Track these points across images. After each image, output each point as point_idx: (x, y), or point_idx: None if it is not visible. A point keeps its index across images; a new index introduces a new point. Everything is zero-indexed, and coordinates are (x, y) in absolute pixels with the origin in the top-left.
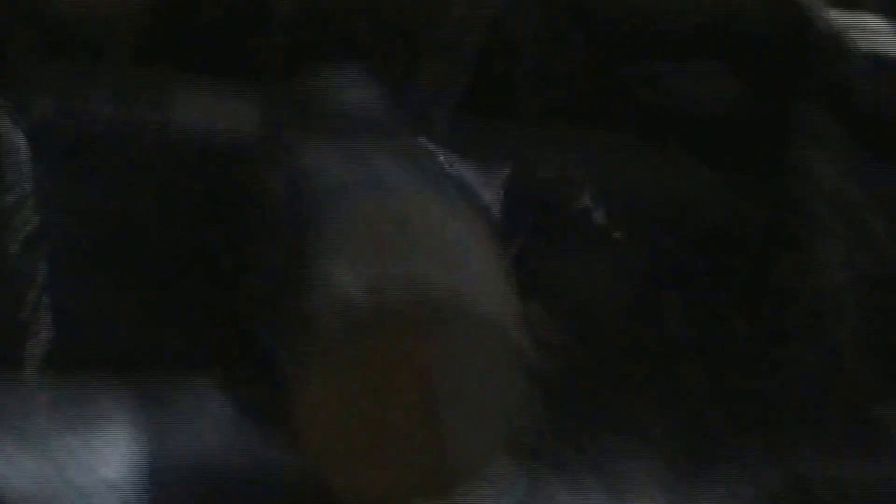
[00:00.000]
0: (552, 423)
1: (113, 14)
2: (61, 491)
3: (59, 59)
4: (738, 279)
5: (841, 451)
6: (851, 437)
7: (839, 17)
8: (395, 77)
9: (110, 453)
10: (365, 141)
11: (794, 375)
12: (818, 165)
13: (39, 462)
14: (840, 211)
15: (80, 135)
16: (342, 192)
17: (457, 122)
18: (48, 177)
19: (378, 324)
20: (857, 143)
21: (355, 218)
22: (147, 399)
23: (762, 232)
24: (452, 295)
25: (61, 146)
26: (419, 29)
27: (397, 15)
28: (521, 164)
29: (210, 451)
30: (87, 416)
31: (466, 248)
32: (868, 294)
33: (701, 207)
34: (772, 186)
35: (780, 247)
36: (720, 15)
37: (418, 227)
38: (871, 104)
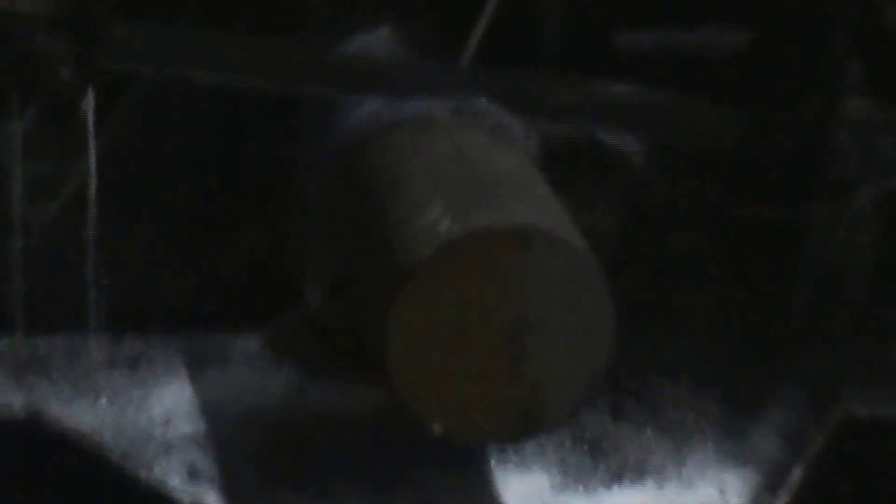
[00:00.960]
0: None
1: None
2: (124, 428)
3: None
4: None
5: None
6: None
7: None
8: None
9: (165, 399)
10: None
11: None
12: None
13: (105, 407)
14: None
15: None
16: (392, 130)
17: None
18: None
19: (467, 249)
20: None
21: (415, 152)
22: (198, 355)
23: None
24: (535, 220)
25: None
26: None
27: None
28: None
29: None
30: (144, 370)
31: (527, 180)
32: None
33: (720, 141)
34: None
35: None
36: None
37: (477, 160)
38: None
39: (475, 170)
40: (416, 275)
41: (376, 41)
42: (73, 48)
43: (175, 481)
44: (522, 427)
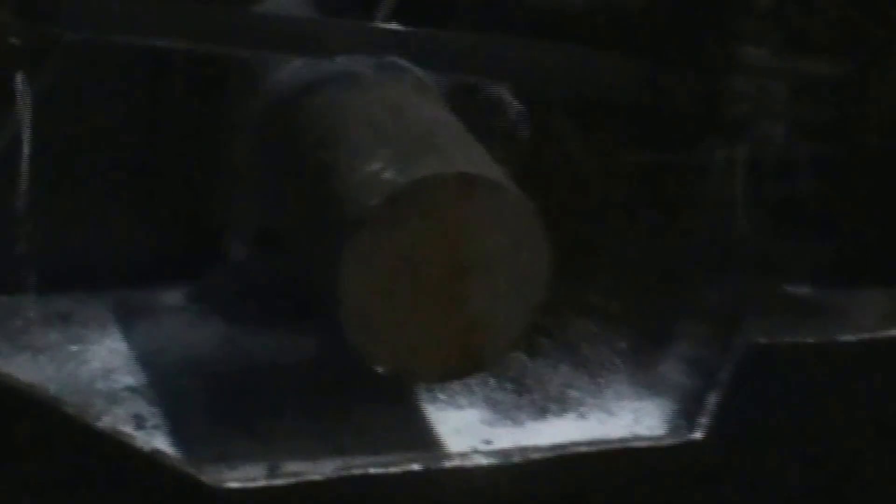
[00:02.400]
0: None
1: None
2: (67, 382)
3: None
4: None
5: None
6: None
7: None
8: None
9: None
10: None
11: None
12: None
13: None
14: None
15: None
16: (322, 86)
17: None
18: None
19: (413, 196)
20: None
21: (347, 106)
22: (129, 310)
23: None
24: (476, 168)
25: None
26: None
27: None
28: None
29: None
30: (78, 326)
31: (457, 131)
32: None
33: (621, 91)
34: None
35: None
36: None
37: (409, 112)
38: None
39: (409, 121)
40: (364, 223)
41: (288, 2)
42: (21, 16)
43: (127, 430)
44: (464, 366)
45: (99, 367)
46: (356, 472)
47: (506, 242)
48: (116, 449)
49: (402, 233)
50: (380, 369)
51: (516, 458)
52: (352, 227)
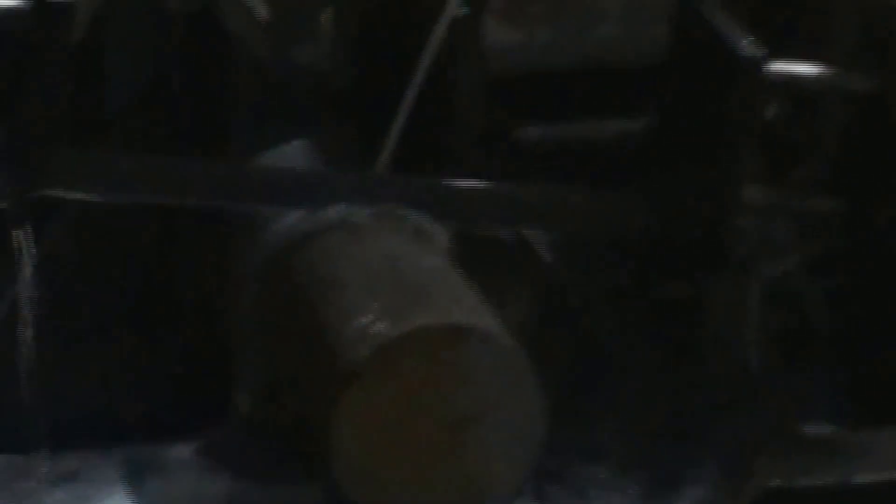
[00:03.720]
0: None
1: None
2: None
3: None
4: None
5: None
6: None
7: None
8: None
9: None
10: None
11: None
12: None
13: None
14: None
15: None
16: (319, 237)
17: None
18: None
19: (404, 348)
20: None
21: (343, 256)
22: (137, 468)
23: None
24: (469, 319)
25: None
26: None
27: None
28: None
29: None
30: (85, 485)
31: (453, 280)
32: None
33: (629, 231)
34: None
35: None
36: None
37: (405, 262)
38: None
39: (404, 272)
40: (355, 376)
41: (290, 154)
42: (10, 179)
43: None
44: None
45: None
46: None
47: (500, 392)
48: None
49: (394, 385)
50: None
51: None
52: (342, 381)
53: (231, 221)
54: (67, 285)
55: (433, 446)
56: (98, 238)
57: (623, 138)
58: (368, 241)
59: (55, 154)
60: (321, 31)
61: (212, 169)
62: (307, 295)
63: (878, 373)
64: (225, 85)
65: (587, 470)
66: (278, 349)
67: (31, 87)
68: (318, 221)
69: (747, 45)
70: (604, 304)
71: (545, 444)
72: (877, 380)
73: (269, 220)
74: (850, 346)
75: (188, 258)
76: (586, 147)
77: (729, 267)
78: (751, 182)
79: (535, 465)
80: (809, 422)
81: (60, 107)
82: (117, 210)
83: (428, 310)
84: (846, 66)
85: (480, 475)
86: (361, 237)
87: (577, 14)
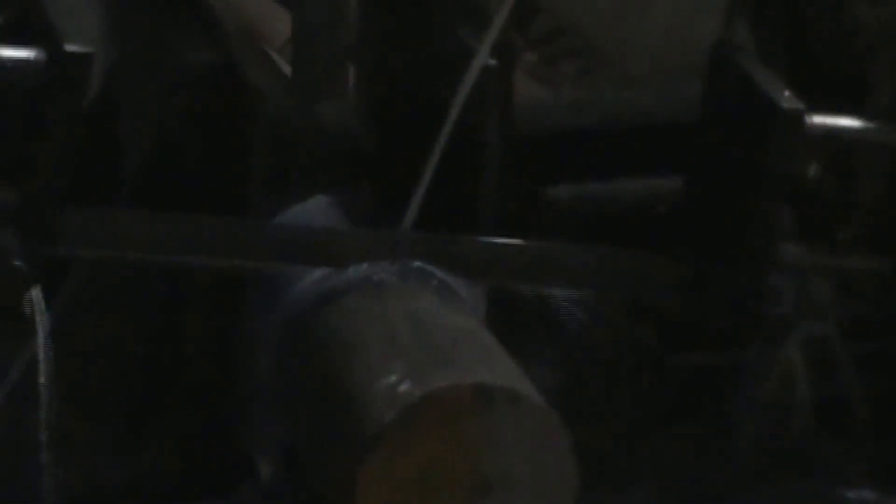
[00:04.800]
0: None
1: None
2: None
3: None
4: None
5: None
6: None
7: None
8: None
9: None
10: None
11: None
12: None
13: None
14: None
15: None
16: (341, 297)
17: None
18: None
19: (429, 410)
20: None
21: (366, 317)
22: None
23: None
24: (494, 378)
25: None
26: None
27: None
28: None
29: None
30: None
31: (480, 339)
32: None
33: (667, 296)
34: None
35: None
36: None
37: (429, 322)
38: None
39: (429, 331)
40: (379, 439)
41: (312, 211)
42: (23, 239)
43: None
44: None
45: None
46: None
47: (528, 456)
48: None
49: (418, 449)
50: None
51: None
52: (366, 445)
53: (249, 281)
54: (79, 346)
55: None
56: (110, 298)
57: (655, 197)
58: (392, 300)
59: (68, 212)
60: (346, 87)
61: (230, 227)
62: (328, 355)
63: None
64: (244, 140)
65: None
66: (299, 412)
67: (45, 142)
68: (340, 280)
69: (785, 98)
70: (634, 368)
71: None
72: None
73: (288, 279)
74: (889, 411)
75: (204, 316)
76: (617, 207)
77: (766, 330)
78: (788, 240)
79: None
80: (851, 488)
81: (74, 163)
82: (130, 269)
83: (453, 370)
84: (887, 119)
85: None
86: (384, 296)
87: (609, 71)
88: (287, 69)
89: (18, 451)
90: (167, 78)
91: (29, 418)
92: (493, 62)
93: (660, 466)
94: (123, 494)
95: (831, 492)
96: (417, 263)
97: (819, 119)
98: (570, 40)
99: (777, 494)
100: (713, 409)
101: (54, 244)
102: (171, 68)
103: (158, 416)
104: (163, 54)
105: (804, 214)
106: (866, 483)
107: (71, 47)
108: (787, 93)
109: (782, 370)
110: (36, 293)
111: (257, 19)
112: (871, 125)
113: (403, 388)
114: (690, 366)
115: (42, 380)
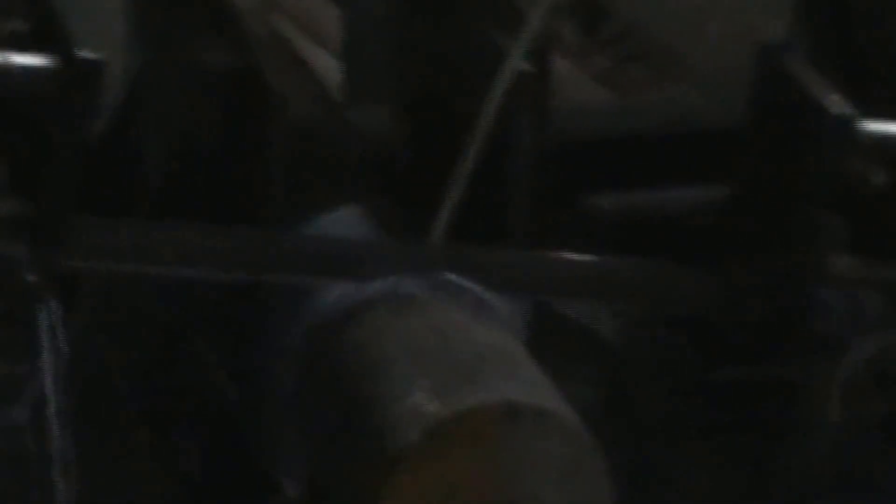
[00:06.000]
0: None
1: None
2: None
3: None
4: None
5: None
6: None
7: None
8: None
9: None
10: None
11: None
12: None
13: None
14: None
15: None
16: (367, 311)
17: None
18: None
19: (456, 428)
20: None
21: (393, 332)
22: None
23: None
24: (523, 395)
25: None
26: None
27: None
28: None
29: None
30: None
31: (511, 356)
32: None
33: (699, 306)
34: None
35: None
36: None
37: (458, 338)
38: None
39: (456, 347)
40: (405, 458)
41: (339, 222)
42: (35, 250)
43: None
44: None
45: None
46: None
47: (559, 476)
48: None
49: (445, 468)
50: None
51: None
52: (392, 464)
53: (272, 295)
54: (94, 365)
55: None
56: (126, 312)
57: (700, 208)
58: (418, 315)
59: (83, 224)
60: (376, 93)
61: (252, 239)
62: (353, 372)
63: None
64: (269, 148)
65: None
66: (324, 431)
67: (59, 152)
68: (367, 294)
69: (836, 103)
70: (674, 385)
71: None
72: None
73: (313, 293)
74: None
75: (224, 334)
76: (659, 217)
77: (816, 345)
78: (839, 252)
79: None
80: None
81: (91, 173)
82: (146, 283)
83: (482, 388)
84: None
85: None
86: (411, 310)
87: (653, 74)
88: (327, 74)
89: (32, 467)
90: (188, 83)
91: (42, 434)
92: (527, 66)
93: (702, 488)
94: None
95: None
96: (449, 276)
97: (871, 124)
98: (638, 44)
99: None
100: (758, 426)
101: (68, 257)
102: (192, 73)
103: (179, 434)
104: (184, 58)
105: (855, 225)
106: None
107: (84, 54)
108: (836, 97)
109: (828, 386)
110: (50, 306)
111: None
112: None
113: (430, 406)
114: (734, 382)
115: (52, 396)
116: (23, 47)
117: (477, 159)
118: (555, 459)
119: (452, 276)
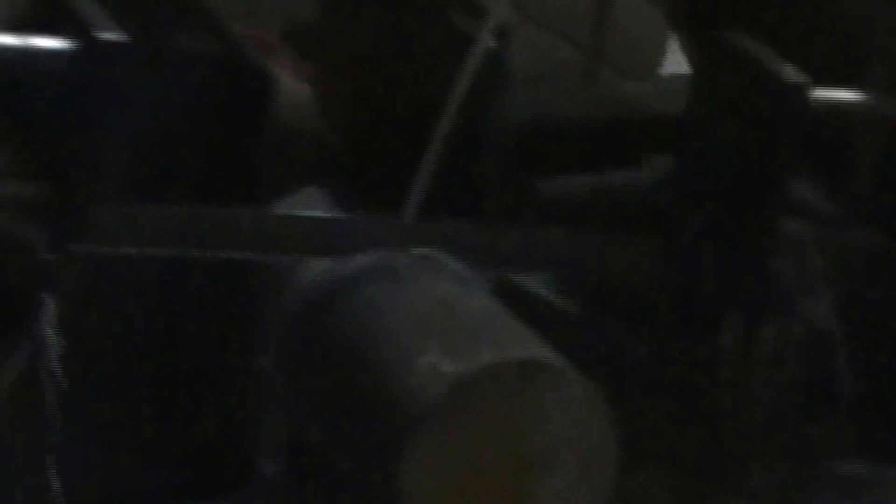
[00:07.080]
0: None
1: None
2: None
3: None
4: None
5: None
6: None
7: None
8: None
9: None
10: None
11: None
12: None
13: None
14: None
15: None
16: (357, 284)
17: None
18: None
19: (474, 388)
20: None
21: (389, 302)
22: None
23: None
24: (536, 355)
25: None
26: None
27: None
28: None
29: None
30: None
31: (508, 320)
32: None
33: (662, 281)
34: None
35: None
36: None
37: (455, 304)
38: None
39: (458, 313)
40: (428, 418)
41: (305, 203)
42: (52, 232)
43: None
44: None
45: None
46: None
47: (570, 431)
48: None
49: (465, 427)
50: None
51: None
52: (413, 425)
53: (252, 273)
54: (80, 344)
55: (504, 488)
56: (114, 292)
57: (653, 182)
58: (411, 285)
59: (97, 207)
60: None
61: (229, 217)
62: (352, 344)
63: None
64: (244, 132)
65: None
66: (312, 407)
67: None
68: (350, 269)
69: (790, 73)
70: (636, 353)
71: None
72: None
73: (293, 270)
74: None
75: (205, 314)
76: (610, 195)
77: (760, 310)
78: (789, 217)
79: None
80: (841, 460)
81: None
82: (134, 263)
83: (493, 348)
84: (889, 92)
85: None
86: (402, 281)
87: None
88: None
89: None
90: (163, 68)
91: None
92: (493, 45)
93: (658, 449)
94: (123, 495)
95: (824, 469)
96: (428, 251)
97: (821, 93)
98: None
99: (771, 474)
100: (702, 394)
101: (81, 240)
102: (165, 58)
103: (158, 414)
104: (161, 43)
105: (804, 189)
106: (858, 457)
107: (105, 36)
108: (787, 66)
109: (774, 349)
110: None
111: None
112: (872, 98)
113: (447, 367)
114: (684, 348)
115: (46, 379)
116: (41, 30)
117: (446, 140)
118: (569, 416)
119: (431, 251)
